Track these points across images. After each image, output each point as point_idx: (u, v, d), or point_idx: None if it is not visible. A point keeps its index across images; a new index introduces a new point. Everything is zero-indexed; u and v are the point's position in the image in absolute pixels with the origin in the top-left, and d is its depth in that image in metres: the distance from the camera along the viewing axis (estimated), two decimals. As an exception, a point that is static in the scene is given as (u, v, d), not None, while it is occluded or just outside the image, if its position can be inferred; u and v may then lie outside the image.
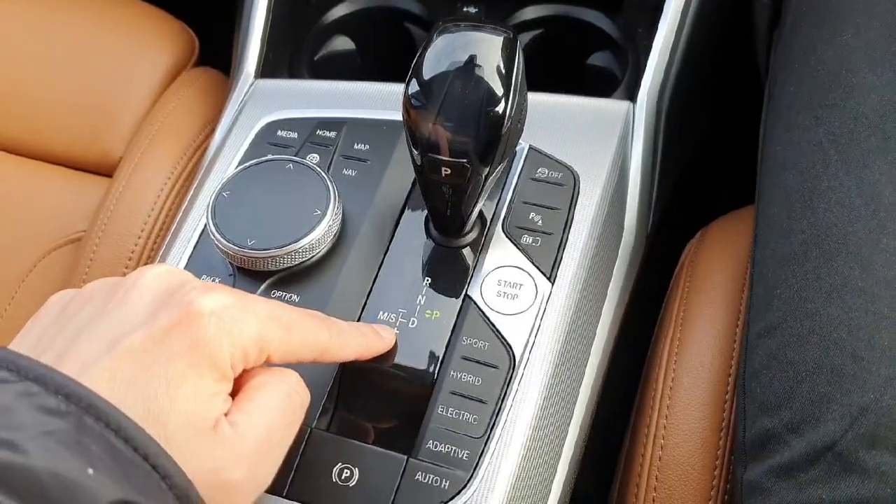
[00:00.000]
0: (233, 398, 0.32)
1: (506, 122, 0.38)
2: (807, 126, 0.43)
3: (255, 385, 0.33)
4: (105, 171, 0.67)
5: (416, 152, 0.40)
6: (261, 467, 0.32)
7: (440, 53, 0.39)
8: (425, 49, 0.39)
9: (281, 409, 0.33)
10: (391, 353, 0.41)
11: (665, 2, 0.54)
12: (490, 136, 0.38)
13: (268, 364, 0.34)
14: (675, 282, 0.52)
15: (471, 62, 0.38)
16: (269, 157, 0.47)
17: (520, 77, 0.39)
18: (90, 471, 0.25)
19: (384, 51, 0.65)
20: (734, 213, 0.56)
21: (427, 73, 0.39)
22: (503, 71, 0.38)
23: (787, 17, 0.49)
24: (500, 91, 0.38)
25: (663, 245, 0.57)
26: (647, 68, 0.52)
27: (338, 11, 0.64)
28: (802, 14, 0.47)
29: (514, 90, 0.38)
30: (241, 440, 0.30)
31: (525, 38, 0.63)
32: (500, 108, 0.38)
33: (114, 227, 0.61)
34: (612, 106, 0.50)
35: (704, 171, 0.74)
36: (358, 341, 0.38)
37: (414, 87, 0.39)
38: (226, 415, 0.31)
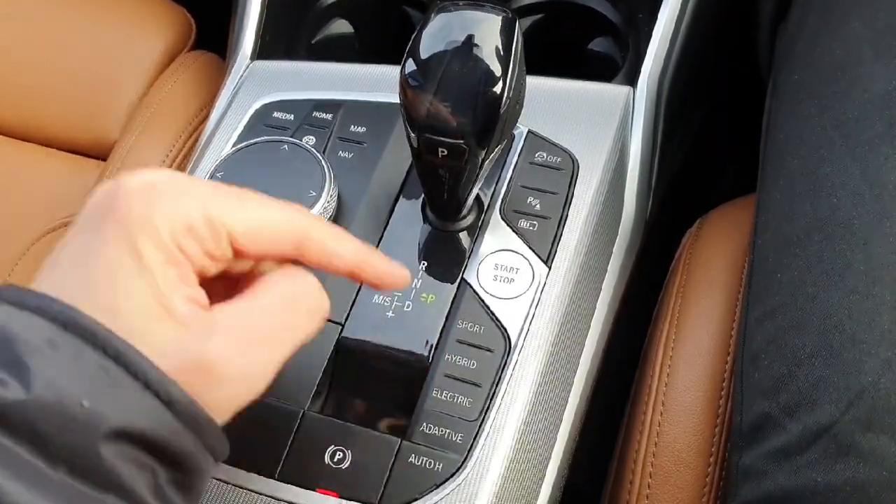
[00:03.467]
0: None
1: (504, 102, 0.37)
2: (811, 113, 0.43)
3: (258, 281, 0.30)
4: (100, 154, 0.66)
5: (412, 134, 0.39)
6: (246, 356, 0.28)
7: (437, 32, 0.38)
8: (422, 28, 0.39)
9: (280, 304, 0.30)
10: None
11: None
12: (488, 117, 0.38)
13: (247, 257, 0.30)
14: (673, 269, 0.51)
15: (469, 42, 0.38)
16: (264, 137, 0.47)
17: (518, 57, 0.38)
18: (85, 402, 0.24)
19: (383, 34, 0.65)
20: (734, 202, 0.56)
21: (424, 53, 0.38)
22: (502, 51, 0.37)
23: (794, 8, 0.48)
24: (498, 71, 0.37)
25: (662, 233, 0.57)
26: (648, 54, 0.51)
27: None
28: (809, 5, 0.47)
29: (513, 70, 0.38)
30: (213, 320, 0.28)
31: (525, 22, 0.62)
32: (497, 89, 0.37)
33: (108, 210, 0.61)
34: (613, 91, 0.50)
35: (705, 160, 0.74)
36: (357, 247, 0.33)
37: (411, 66, 0.38)
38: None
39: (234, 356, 0.28)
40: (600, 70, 0.59)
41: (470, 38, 0.38)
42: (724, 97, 0.74)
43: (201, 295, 0.29)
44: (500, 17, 0.38)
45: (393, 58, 0.49)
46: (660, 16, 0.52)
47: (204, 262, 0.29)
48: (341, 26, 0.64)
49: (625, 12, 0.58)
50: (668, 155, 0.55)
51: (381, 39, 0.65)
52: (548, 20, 0.62)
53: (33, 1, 0.71)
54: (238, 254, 0.30)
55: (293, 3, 0.61)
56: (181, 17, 0.72)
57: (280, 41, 0.60)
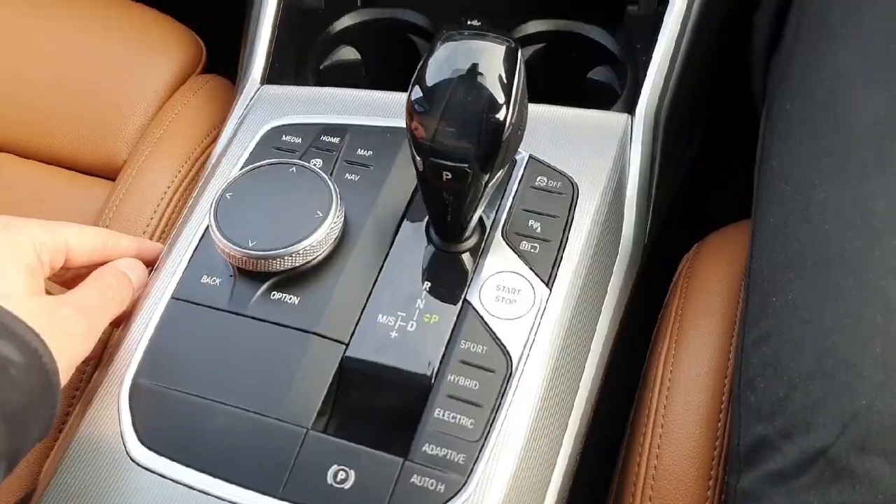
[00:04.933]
0: None
1: (506, 129, 0.39)
2: (804, 141, 0.44)
3: (87, 277, 0.45)
4: (110, 174, 0.67)
5: (418, 157, 0.40)
6: (83, 319, 0.42)
7: (443, 61, 0.40)
8: (429, 56, 0.40)
9: (99, 289, 0.44)
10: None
11: (664, 18, 0.55)
12: (491, 143, 0.39)
13: (74, 265, 0.46)
14: (672, 293, 0.52)
15: (473, 70, 0.39)
16: (273, 159, 0.48)
17: (521, 86, 0.39)
18: None
19: (389, 61, 0.66)
20: (731, 227, 0.57)
21: (430, 80, 0.39)
22: (505, 79, 0.39)
23: (786, 39, 0.50)
24: (501, 99, 0.38)
25: (661, 257, 0.57)
26: (646, 82, 0.53)
27: (343, 22, 0.65)
28: (800, 36, 0.48)
29: (516, 98, 0.39)
30: (63, 297, 0.42)
31: (527, 52, 0.64)
32: (500, 116, 0.38)
33: (115, 230, 0.61)
34: (611, 118, 0.51)
35: (704, 184, 0.75)
36: (132, 240, 0.50)
37: (417, 92, 0.39)
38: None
39: (77, 318, 0.41)
40: (600, 97, 0.60)
41: (474, 66, 0.39)
42: (722, 122, 0.75)
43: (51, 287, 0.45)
44: (503, 47, 0.40)
45: (398, 84, 0.51)
46: (657, 46, 0.54)
47: (54, 266, 0.44)
48: (348, 53, 0.66)
49: (623, 42, 0.60)
50: (666, 180, 0.56)
51: (387, 66, 0.66)
52: (549, 49, 0.63)
53: (46, 23, 0.72)
54: (68, 262, 0.45)
55: (302, 31, 0.63)
56: (192, 40, 0.74)
57: (289, 67, 0.62)
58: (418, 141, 0.40)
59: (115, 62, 0.70)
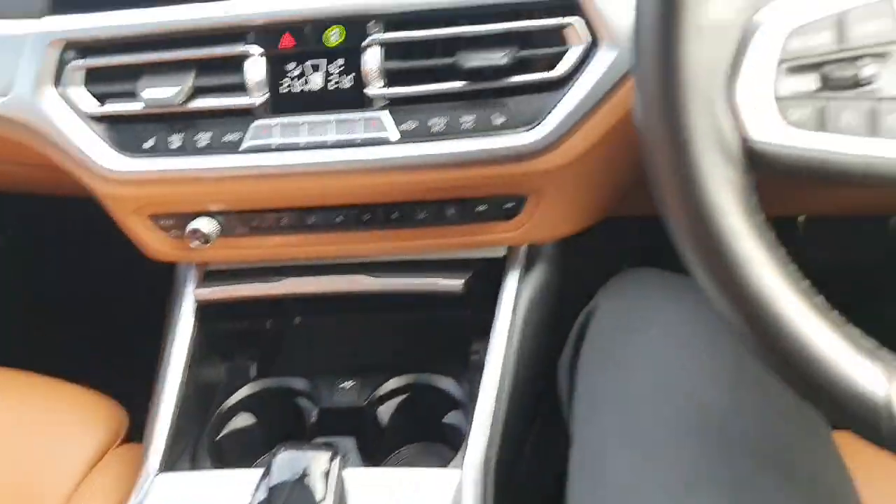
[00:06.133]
0: None
1: None
2: (580, 493, 0.53)
3: None
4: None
5: None
6: None
7: (282, 468, 0.51)
8: (270, 467, 0.51)
9: None
10: None
11: (483, 371, 0.67)
12: None
13: None
14: None
15: (302, 475, 0.50)
16: None
17: (338, 482, 0.50)
18: None
19: (279, 422, 0.77)
20: None
21: (271, 482, 0.50)
22: (326, 479, 0.49)
23: (575, 394, 0.61)
24: (321, 495, 0.48)
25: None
26: (470, 438, 0.63)
27: (241, 393, 0.77)
28: (578, 395, 0.59)
29: (336, 493, 0.49)
30: None
31: (396, 401, 0.75)
32: None
33: None
34: (443, 475, 0.60)
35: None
36: None
37: (260, 495, 0.49)
38: None
39: None
40: (457, 438, 0.70)
41: (304, 471, 0.50)
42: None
43: None
44: (326, 455, 0.51)
45: (289, 437, 0.60)
46: (479, 399, 0.65)
47: None
48: (245, 419, 0.77)
49: (468, 390, 0.72)
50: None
51: (277, 425, 0.76)
52: (413, 398, 0.75)
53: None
54: None
55: (200, 411, 0.74)
56: (112, 413, 0.79)
57: (187, 445, 0.71)
58: None
59: (36, 441, 0.74)
